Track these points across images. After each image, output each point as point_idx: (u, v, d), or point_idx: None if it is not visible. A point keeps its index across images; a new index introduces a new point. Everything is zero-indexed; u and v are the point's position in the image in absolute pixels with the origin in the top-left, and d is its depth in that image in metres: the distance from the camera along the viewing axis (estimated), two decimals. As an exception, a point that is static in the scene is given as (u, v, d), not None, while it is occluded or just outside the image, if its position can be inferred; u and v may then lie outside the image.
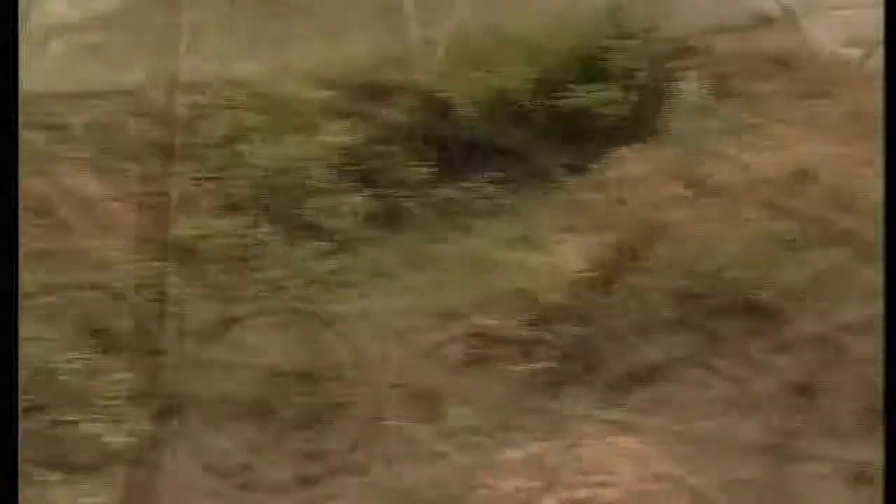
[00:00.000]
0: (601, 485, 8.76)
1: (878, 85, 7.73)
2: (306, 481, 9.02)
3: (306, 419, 9.32)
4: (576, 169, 11.07)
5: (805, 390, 9.25)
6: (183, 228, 10.11)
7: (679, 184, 10.62)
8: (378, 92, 11.70)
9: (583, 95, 11.43)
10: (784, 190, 10.47)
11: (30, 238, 9.66)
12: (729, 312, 9.82)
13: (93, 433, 8.64)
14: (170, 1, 10.13)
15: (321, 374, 9.50)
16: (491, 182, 11.18)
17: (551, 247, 10.57)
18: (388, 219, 11.09)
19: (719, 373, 9.55)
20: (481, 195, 11.16)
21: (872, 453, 7.80)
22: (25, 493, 7.94)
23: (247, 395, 9.41)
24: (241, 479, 9.01)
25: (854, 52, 11.86)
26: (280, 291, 10.12)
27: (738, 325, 9.80)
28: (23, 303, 8.43)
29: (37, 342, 8.90)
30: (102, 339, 9.17)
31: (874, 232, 8.67)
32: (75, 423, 8.70)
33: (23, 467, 7.68)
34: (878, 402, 7.01)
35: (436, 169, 11.31)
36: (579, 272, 10.19)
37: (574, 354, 9.71)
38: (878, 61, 8.45)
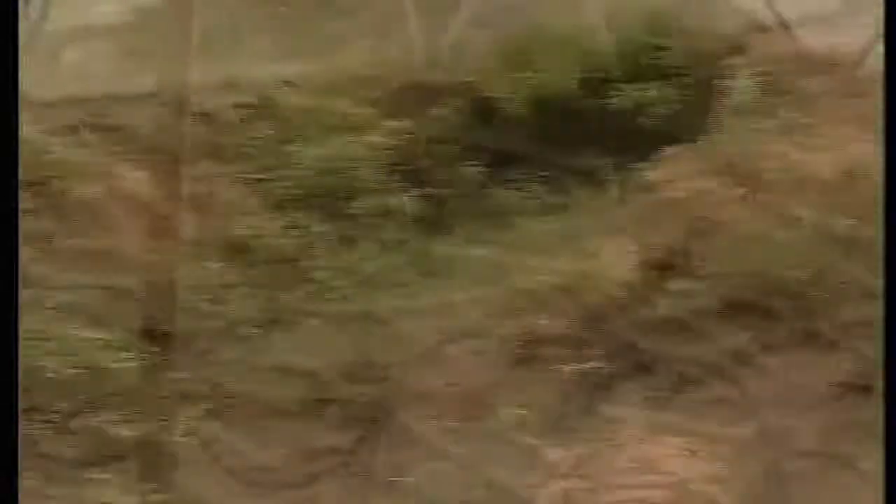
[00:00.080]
0: (650, 486, 8.74)
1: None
2: (353, 481, 9.04)
3: (356, 420, 9.33)
4: (624, 168, 11.05)
5: (858, 390, 9.20)
6: (233, 229, 10.17)
7: (729, 183, 10.58)
8: (426, 92, 11.71)
9: (631, 94, 11.40)
10: (835, 189, 10.41)
11: (83, 239, 9.74)
12: (779, 312, 9.78)
13: (146, 432, 8.69)
14: (209, 2, 10.18)
15: (370, 375, 9.52)
16: (539, 182, 11.18)
17: (600, 247, 10.54)
18: (437, 219, 11.10)
19: (769, 373, 9.51)
20: (530, 195, 11.16)
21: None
22: (73, 492, 8.01)
23: (296, 396, 9.44)
24: (287, 479, 9.04)
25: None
26: (329, 291, 10.15)
27: (789, 324, 9.75)
28: (75, 302, 8.52)
29: (89, 342, 8.97)
30: (154, 339, 9.22)
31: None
32: (126, 422, 8.75)
33: (71, 466, 7.75)
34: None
35: (484, 169, 11.31)
36: (628, 272, 10.17)
37: (623, 354, 9.69)
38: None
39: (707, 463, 8.81)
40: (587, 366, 9.60)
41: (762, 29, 12.23)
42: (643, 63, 11.63)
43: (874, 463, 8.62)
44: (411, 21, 12.48)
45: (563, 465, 8.91)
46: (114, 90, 11.25)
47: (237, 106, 11.39)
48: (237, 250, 10.35)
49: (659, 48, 11.66)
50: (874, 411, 8.99)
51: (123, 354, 8.99)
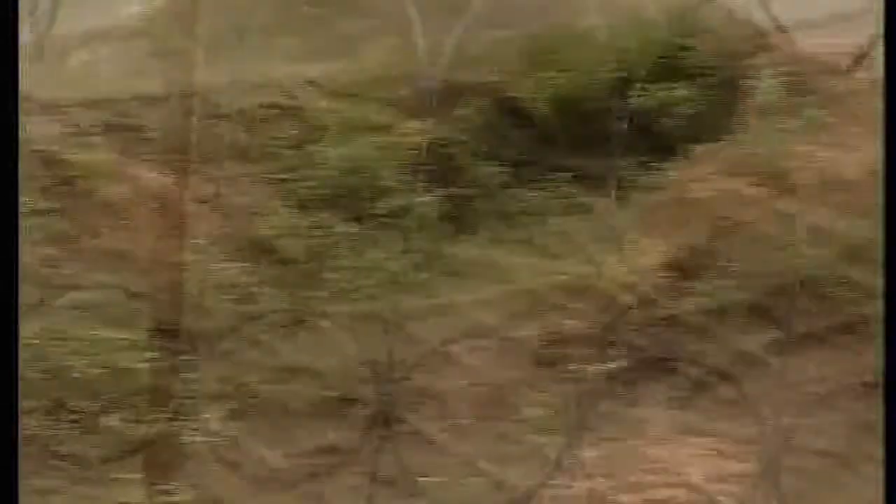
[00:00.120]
0: (675, 485, 8.72)
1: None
2: (379, 478, 9.04)
3: (379, 417, 9.33)
4: (650, 168, 11.03)
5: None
6: (257, 229, 10.17)
7: (754, 182, 10.55)
8: (451, 92, 11.70)
9: (656, 94, 11.38)
10: (861, 189, 10.37)
11: (107, 239, 9.77)
12: (805, 311, 9.75)
13: (168, 432, 8.71)
14: (232, 4, 10.19)
15: (393, 373, 9.51)
16: (565, 181, 11.16)
17: (626, 246, 10.52)
18: (461, 218, 11.10)
19: (795, 372, 9.48)
20: (555, 195, 11.14)
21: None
22: (100, 492, 8.03)
23: (320, 393, 9.45)
24: (313, 475, 9.05)
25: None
26: (353, 290, 10.15)
27: (815, 323, 9.72)
28: (99, 302, 8.53)
29: (112, 343, 8.99)
30: (177, 339, 9.24)
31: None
32: (152, 422, 8.77)
33: (97, 466, 7.77)
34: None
35: (509, 169, 11.30)
36: (654, 271, 10.15)
37: (648, 354, 9.67)
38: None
39: (734, 462, 8.79)
40: (612, 365, 9.58)
41: (783, 30, 12.18)
42: (668, 63, 11.60)
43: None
44: (434, 21, 12.48)
45: (588, 465, 8.90)
46: (136, 91, 11.27)
47: (261, 106, 11.40)
48: (261, 250, 10.36)
49: (683, 48, 11.63)
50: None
51: (147, 354, 9.02)
